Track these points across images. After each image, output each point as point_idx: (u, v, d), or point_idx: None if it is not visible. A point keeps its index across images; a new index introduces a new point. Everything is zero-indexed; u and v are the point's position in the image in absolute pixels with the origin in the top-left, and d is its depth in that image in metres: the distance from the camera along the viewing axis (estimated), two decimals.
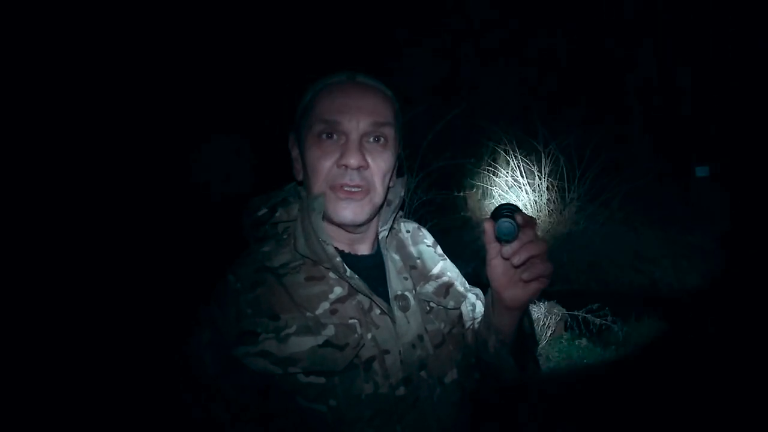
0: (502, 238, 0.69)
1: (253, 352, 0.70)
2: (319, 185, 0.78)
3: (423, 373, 0.78)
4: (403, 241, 0.93)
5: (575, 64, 8.49)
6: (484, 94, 7.66)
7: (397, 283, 0.83)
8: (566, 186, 6.57)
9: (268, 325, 0.72)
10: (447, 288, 0.89)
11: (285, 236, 0.83)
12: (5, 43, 4.64)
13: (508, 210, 0.72)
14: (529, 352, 0.87)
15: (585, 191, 6.55)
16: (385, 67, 5.85)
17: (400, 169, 0.87)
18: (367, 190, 0.78)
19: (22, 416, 2.70)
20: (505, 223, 0.68)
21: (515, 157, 6.86)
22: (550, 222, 6.59)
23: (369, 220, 0.82)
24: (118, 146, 5.06)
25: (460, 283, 0.94)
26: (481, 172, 7.21)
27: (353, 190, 0.77)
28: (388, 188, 0.84)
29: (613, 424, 2.74)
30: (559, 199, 6.69)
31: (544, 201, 6.71)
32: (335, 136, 0.77)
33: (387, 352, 0.76)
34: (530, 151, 6.83)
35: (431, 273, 0.90)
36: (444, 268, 0.93)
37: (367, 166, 0.77)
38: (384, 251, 0.87)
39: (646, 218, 6.14)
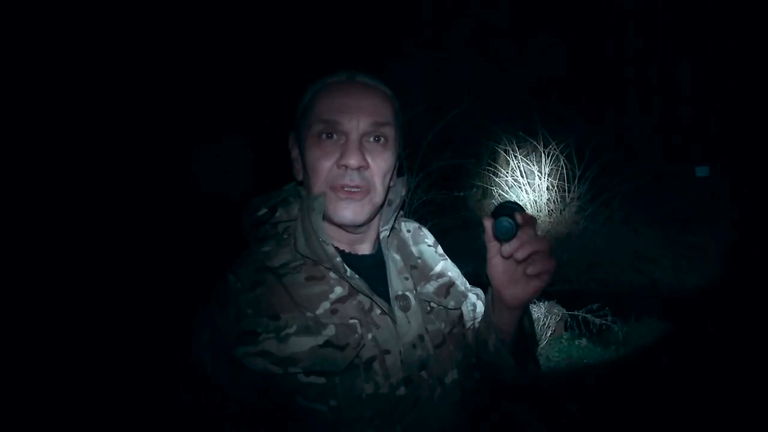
0: (500, 237, 0.69)
1: (253, 352, 0.70)
2: (319, 185, 0.77)
3: (423, 373, 0.78)
4: (404, 240, 0.92)
5: (575, 64, 8.49)
6: (484, 94, 7.65)
7: (397, 283, 0.83)
8: (566, 186, 6.58)
9: (269, 325, 0.72)
10: (448, 288, 0.89)
11: (285, 236, 0.82)
12: (6, 43, 4.65)
13: (509, 208, 0.72)
14: (530, 351, 0.87)
15: (585, 191, 6.55)
16: (385, 67, 5.84)
17: (400, 168, 0.87)
18: (367, 190, 0.77)
19: (23, 416, 2.70)
20: (504, 221, 0.68)
21: (515, 157, 6.86)
22: (550, 222, 6.59)
23: (369, 220, 0.81)
24: (119, 146, 5.06)
25: (460, 283, 0.94)
26: (481, 172, 7.20)
27: (353, 190, 0.76)
28: (389, 188, 0.83)
29: (613, 424, 2.74)
30: (559, 199, 6.69)
31: (544, 201, 6.71)
32: (335, 136, 0.77)
33: (387, 352, 0.76)
34: (530, 151, 6.83)
35: (432, 273, 0.90)
36: (445, 267, 0.93)
37: (367, 166, 0.77)
38: (385, 251, 0.86)
39: (646, 218, 6.14)
